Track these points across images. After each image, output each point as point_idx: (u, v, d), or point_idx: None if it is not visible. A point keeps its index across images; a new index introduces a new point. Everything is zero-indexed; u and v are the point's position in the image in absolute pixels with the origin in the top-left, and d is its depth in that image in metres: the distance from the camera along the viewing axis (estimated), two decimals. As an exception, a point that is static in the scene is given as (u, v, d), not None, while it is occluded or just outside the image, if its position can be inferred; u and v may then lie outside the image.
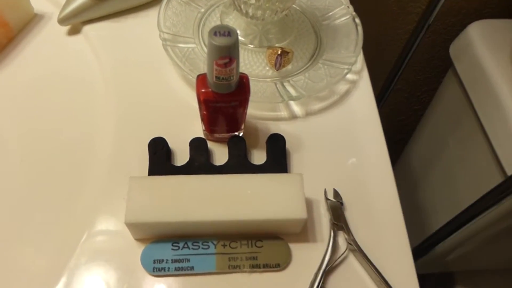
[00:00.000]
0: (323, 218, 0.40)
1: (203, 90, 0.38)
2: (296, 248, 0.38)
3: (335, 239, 0.38)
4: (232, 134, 0.43)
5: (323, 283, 0.36)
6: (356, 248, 0.38)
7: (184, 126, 0.44)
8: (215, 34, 0.33)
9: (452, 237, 0.76)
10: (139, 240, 0.38)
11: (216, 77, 0.35)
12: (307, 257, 0.38)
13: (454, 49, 0.73)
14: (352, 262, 0.38)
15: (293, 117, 0.46)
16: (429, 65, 0.90)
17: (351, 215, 0.40)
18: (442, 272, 0.91)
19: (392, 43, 0.85)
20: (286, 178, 0.38)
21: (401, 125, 1.08)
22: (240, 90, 0.38)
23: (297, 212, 0.36)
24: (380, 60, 0.89)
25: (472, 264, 0.89)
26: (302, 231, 0.39)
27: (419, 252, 0.84)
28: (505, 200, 0.58)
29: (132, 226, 0.36)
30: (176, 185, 0.37)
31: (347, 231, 0.39)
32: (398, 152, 1.09)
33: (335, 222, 0.39)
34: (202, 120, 0.42)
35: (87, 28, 0.52)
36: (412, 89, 0.97)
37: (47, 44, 0.51)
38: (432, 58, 0.88)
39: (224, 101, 0.38)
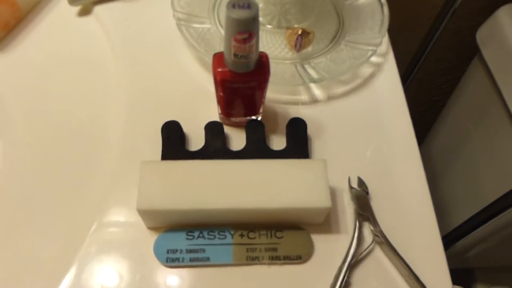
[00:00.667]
0: (347, 208, 0.38)
1: (220, 70, 0.35)
2: (319, 240, 0.36)
3: (360, 230, 0.36)
4: (250, 118, 0.41)
5: (348, 277, 0.34)
6: (383, 240, 0.35)
7: (199, 109, 0.42)
8: (233, 6, 0.30)
9: (474, 233, 0.73)
10: (152, 228, 0.36)
11: (234, 54, 0.33)
12: (330, 249, 0.35)
13: (481, 34, 0.69)
14: (379, 255, 0.35)
15: (314, 101, 0.44)
16: (452, 53, 0.86)
17: (377, 205, 0.38)
18: (461, 268, 0.87)
19: (414, 30, 0.81)
20: (308, 164, 0.35)
21: (420, 117, 1.04)
22: (260, 69, 0.36)
23: (321, 200, 0.33)
24: (401, 48, 0.85)
25: (494, 261, 0.86)
26: (325, 221, 0.36)
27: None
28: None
29: (144, 214, 0.34)
30: (191, 170, 0.35)
31: (373, 222, 0.36)
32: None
33: (361, 212, 0.36)
34: (219, 102, 0.39)
35: (98, 9, 0.50)
36: (433, 79, 0.93)
37: (57, 25, 0.49)
38: (455, 46, 0.84)
39: (242, 81, 0.36)
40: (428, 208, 0.38)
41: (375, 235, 0.36)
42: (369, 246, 0.35)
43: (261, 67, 0.36)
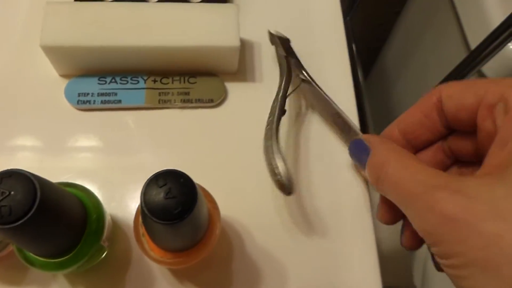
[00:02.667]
0: (264, 61, 0.38)
1: None
2: (233, 87, 0.36)
3: (289, 68, 0.34)
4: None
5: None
6: (309, 80, 0.35)
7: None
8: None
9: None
10: (64, 76, 0.36)
11: None
12: (243, 96, 0.36)
13: None
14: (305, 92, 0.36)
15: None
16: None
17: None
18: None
19: None
20: (220, 8, 0.35)
21: (379, 31, 1.03)
22: None
23: (230, 39, 0.33)
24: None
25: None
26: (240, 71, 0.37)
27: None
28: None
29: (51, 52, 0.33)
30: (102, 11, 0.34)
31: (298, 63, 0.36)
32: (375, 58, 1.06)
33: (285, 55, 0.35)
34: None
35: None
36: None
37: None
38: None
39: None
40: (344, 62, 0.38)
41: (303, 79, 0.35)
42: (299, 85, 0.35)
43: None
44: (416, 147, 0.29)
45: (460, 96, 0.25)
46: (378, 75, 1.01)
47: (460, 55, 0.66)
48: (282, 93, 0.33)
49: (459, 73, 0.57)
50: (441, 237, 0.20)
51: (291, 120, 0.36)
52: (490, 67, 0.57)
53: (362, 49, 0.97)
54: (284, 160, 0.28)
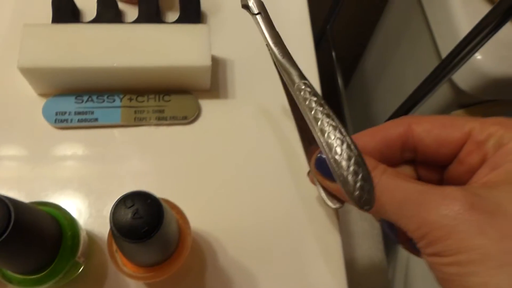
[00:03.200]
0: (236, 77, 0.39)
1: None
2: (206, 104, 0.38)
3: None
4: (145, -7, 0.41)
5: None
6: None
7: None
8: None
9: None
10: (42, 95, 0.37)
11: None
12: (216, 113, 0.37)
13: None
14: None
15: (214, -19, 0.44)
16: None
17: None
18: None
19: None
20: (192, 29, 0.36)
21: (360, 38, 1.06)
22: None
23: (201, 59, 0.35)
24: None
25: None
26: (213, 88, 0.38)
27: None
28: (438, 86, 0.59)
29: (28, 73, 0.34)
30: (78, 32, 0.35)
31: None
32: (355, 66, 1.08)
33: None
34: (111, -25, 0.39)
35: None
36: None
37: None
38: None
39: None
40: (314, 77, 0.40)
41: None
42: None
43: None
44: None
45: (442, 131, 0.25)
46: (358, 83, 1.04)
47: (433, 63, 0.69)
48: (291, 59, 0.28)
49: (432, 81, 0.59)
50: (451, 230, 0.19)
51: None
52: (459, 75, 0.60)
53: (342, 57, 1.00)
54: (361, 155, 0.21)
